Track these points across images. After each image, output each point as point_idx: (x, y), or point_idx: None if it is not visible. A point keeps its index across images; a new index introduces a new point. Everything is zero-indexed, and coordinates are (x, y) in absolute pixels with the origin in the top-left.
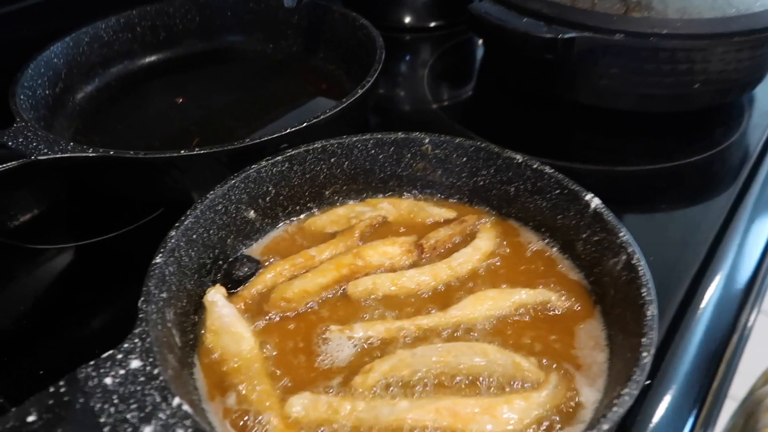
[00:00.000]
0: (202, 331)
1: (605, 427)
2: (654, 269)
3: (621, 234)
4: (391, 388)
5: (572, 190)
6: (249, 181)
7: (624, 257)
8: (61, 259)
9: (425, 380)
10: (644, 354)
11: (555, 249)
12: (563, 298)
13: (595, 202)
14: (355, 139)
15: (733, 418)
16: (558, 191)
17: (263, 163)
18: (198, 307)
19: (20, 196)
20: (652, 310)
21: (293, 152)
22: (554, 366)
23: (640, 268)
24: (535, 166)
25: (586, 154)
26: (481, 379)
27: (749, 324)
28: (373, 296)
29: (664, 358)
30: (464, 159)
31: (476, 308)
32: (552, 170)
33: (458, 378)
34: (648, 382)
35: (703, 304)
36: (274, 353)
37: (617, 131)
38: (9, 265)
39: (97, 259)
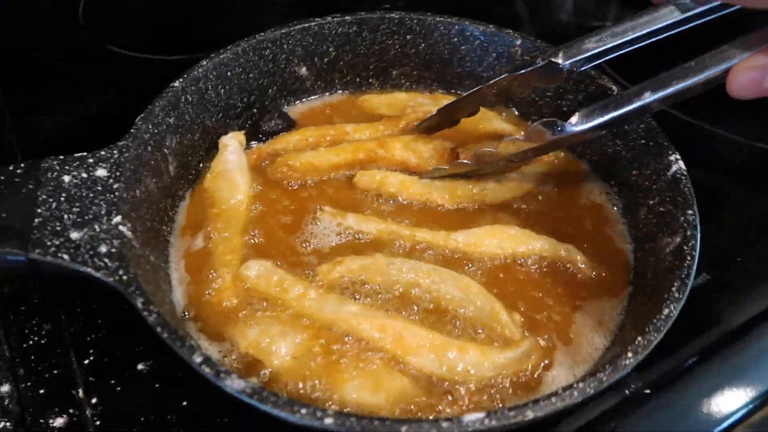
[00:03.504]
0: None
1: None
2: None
3: (689, 211)
4: (352, 290)
5: (659, 143)
6: (308, 34)
7: (678, 239)
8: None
9: (391, 294)
10: (628, 355)
11: (616, 208)
12: (592, 264)
13: (678, 165)
14: (438, 19)
15: None
16: (644, 140)
17: (329, 18)
18: (211, 146)
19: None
20: (671, 310)
21: (365, 15)
22: (539, 332)
23: (687, 258)
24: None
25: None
26: (450, 315)
27: None
28: (377, 193)
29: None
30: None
31: (485, 240)
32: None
33: (427, 305)
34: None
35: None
36: (262, 216)
37: None
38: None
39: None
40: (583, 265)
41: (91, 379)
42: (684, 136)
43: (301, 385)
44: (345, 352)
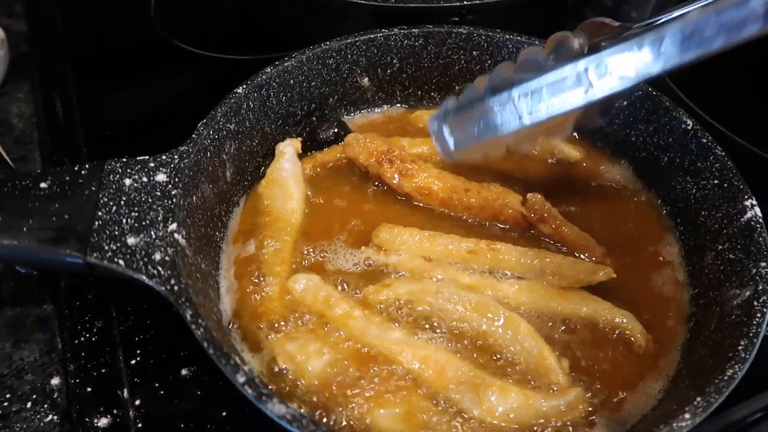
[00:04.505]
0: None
1: None
2: None
3: (762, 264)
4: (397, 314)
5: (735, 185)
6: (372, 45)
7: (748, 293)
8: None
9: (436, 323)
10: (685, 416)
11: (678, 249)
12: (648, 337)
13: (754, 212)
14: (507, 36)
15: None
16: (717, 180)
17: (395, 30)
18: (268, 152)
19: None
20: (735, 371)
21: (432, 29)
22: (586, 382)
23: (757, 315)
24: (704, 141)
25: None
26: (494, 352)
27: None
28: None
29: None
30: (625, 103)
31: (532, 294)
32: (722, 153)
33: (471, 338)
34: None
35: None
36: (313, 228)
37: None
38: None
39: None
40: (639, 336)
41: (136, 380)
42: (756, 171)
43: (334, 405)
44: (382, 377)
